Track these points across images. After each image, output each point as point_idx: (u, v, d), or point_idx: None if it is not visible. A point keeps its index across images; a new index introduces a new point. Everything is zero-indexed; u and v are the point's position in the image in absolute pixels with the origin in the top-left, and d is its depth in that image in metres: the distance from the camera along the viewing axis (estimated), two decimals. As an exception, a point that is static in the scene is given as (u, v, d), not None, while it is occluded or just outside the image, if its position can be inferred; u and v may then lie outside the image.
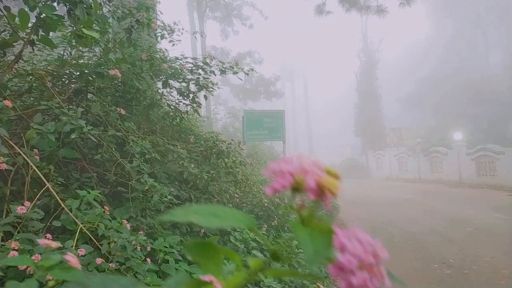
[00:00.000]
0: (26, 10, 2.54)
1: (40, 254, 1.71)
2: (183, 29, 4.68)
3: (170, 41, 4.43)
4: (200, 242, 0.42)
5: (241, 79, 4.89)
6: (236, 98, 27.36)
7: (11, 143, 2.09)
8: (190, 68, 3.77)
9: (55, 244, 0.91)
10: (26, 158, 2.15)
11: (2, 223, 1.87)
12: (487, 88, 26.76)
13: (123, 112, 2.94)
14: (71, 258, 0.82)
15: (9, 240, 1.84)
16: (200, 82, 3.72)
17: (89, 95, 3.59)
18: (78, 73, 3.01)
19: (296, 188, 0.38)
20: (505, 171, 16.17)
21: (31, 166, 2.27)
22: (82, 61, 3.15)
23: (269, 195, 0.35)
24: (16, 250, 1.69)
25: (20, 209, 1.86)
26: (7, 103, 2.08)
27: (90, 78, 2.90)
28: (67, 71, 3.20)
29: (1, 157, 1.92)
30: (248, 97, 26.98)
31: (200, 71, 3.78)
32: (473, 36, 30.13)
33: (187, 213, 0.38)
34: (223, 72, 3.85)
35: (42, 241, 0.90)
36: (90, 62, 3.07)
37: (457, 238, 7.36)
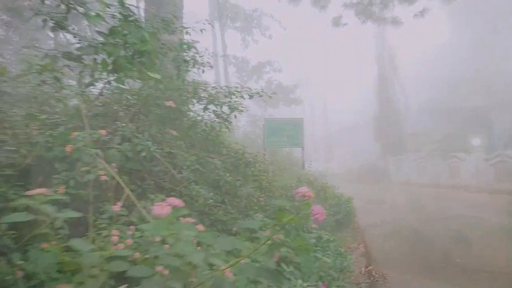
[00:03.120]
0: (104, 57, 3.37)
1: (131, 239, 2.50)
2: (212, 52, 5.50)
3: (200, 68, 5.24)
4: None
5: (266, 101, 5.64)
6: (256, 105, 28.13)
7: (103, 161, 2.88)
8: (224, 94, 4.56)
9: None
10: (112, 171, 2.94)
11: (105, 216, 2.66)
12: (508, 93, 26.60)
13: (174, 133, 3.73)
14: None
15: (107, 229, 2.62)
16: (232, 106, 4.51)
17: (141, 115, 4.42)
18: (139, 102, 3.82)
19: (303, 196, 1.13)
20: (523, 177, 16.32)
21: (112, 176, 3.07)
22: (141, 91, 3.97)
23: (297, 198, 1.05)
24: (117, 236, 2.45)
25: (115, 208, 2.64)
26: (102, 132, 2.89)
27: (149, 107, 3.70)
28: (129, 97, 4.04)
29: (101, 171, 2.71)
30: (268, 104, 27.70)
31: (232, 96, 4.57)
32: (493, 41, 29.98)
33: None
34: (251, 97, 4.63)
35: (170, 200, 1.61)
36: (147, 93, 3.89)
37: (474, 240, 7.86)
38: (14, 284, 2.20)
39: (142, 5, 8.77)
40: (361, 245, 8.65)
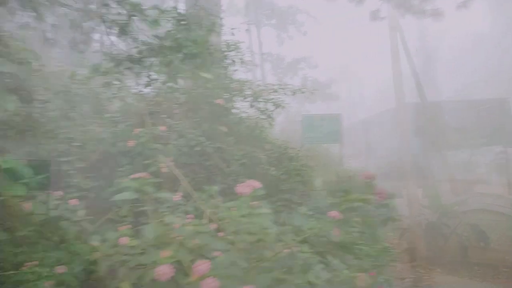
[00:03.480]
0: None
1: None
2: (251, 51, 5.70)
3: (246, 67, 5.44)
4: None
5: (308, 97, 5.77)
6: (293, 102, 28.16)
7: (162, 155, 3.14)
8: (268, 91, 4.74)
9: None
10: (170, 164, 3.19)
11: (166, 206, 2.91)
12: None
13: (224, 129, 3.96)
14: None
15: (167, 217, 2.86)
16: (276, 102, 4.70)
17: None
18: (190, 100, 4.08)
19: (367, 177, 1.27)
20: None
21: (170, 169, 3.32)
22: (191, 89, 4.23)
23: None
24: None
25: (176, 198, 2.88)
26: (162, 128, 3.15)
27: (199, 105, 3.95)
28: (180, 96, 4.31)
29: (161, 164, 2.97)
30: (305, 100, 27.65)
31: (276, 93, 4.75)
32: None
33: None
34: (293, 94, 4.81)
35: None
36: (198, 92, 4.14)
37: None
38: (93, 264, 2.49)
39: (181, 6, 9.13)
40: (404, 241, 8.59)
